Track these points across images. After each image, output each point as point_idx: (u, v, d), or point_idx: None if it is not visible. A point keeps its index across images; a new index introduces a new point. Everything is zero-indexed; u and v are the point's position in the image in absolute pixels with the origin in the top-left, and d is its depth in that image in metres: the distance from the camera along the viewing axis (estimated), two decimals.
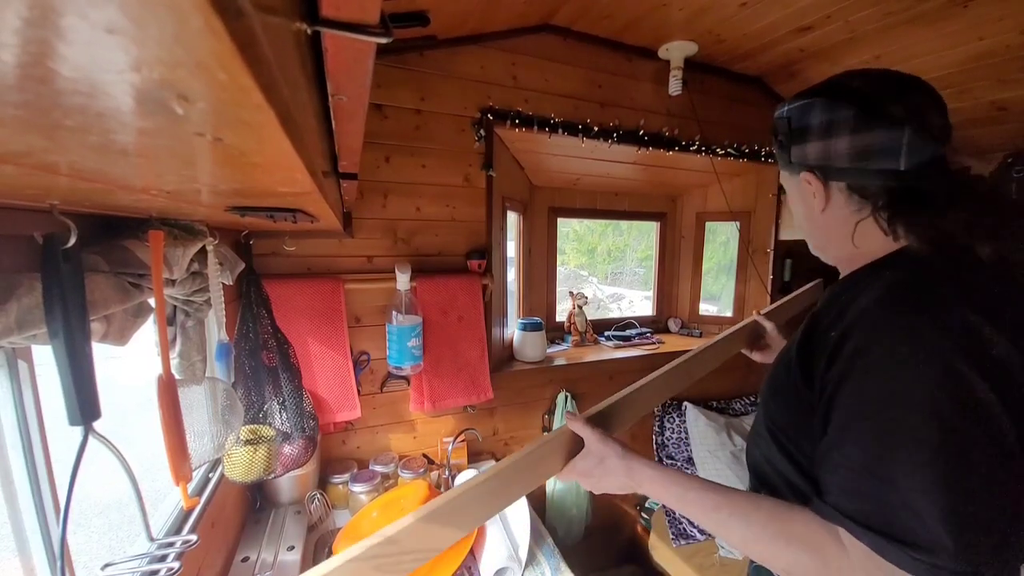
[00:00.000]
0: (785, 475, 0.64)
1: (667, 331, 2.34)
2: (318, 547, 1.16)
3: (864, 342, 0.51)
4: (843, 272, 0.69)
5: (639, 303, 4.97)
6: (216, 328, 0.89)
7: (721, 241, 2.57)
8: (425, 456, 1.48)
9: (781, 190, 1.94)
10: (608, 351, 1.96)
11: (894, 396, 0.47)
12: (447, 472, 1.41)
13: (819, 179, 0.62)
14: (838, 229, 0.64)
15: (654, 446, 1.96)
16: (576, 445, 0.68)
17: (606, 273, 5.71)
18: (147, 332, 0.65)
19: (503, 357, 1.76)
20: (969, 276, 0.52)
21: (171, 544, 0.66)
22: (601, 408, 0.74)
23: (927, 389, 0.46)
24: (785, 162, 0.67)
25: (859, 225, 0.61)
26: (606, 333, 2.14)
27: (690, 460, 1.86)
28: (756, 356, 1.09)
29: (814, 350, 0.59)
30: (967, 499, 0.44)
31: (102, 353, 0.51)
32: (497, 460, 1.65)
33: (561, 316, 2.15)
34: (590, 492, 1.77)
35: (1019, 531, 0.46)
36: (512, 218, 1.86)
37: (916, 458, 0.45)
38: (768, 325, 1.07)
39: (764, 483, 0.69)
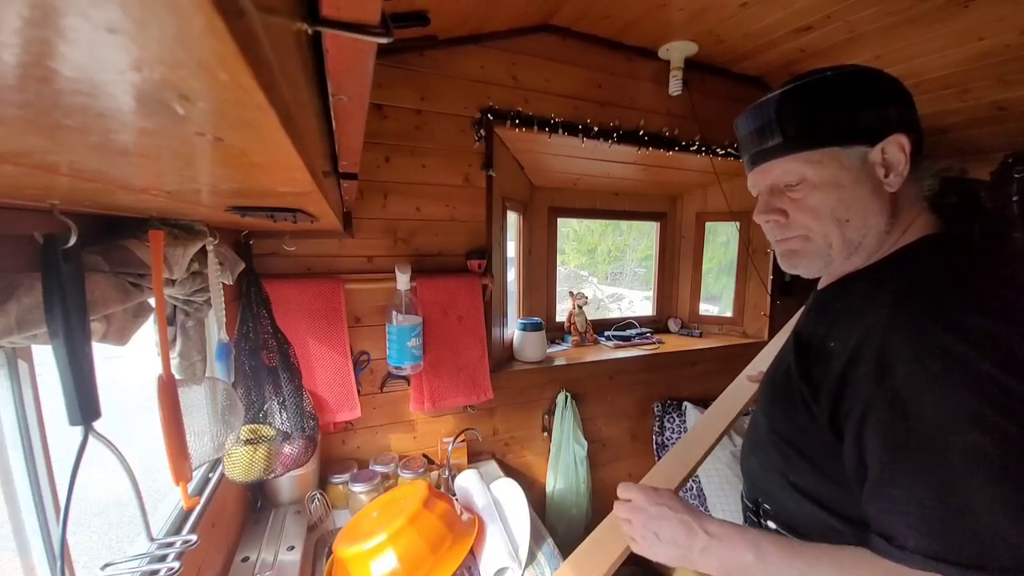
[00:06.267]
0: (791, 481, 0.63)
1: (667, 331, 2.34)
2: (318, 547, 1.16)
3: (887, 361, 0.49)
4: (824, 280, 0.68)
5: (639, 303, 4.97)
6: (216, 328, 0.89)
7: (721, 241, 2.57)
8: (425, 456, 1.48)
9: None
10: (608, 351, 1.96)
11: (938, 418, 0.45)
12: (447, 472, 1.41)
13: (913, 142, 0.55)
14: (883, 213, 0.57)
15: (654, 446, 1.96)
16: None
17: (606, 273, 5.72)
18: (147, 332, 0.65)
19: (503, 357, 1.76)
20: (973, 279, 0.51)
21: (171, 544, 0.66)
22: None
23: (969, 403, 0.44)
24: (833, 134, 0.56)
25: (901, 202, 0.58)
26: (606, 333, 2.14)
27: None
28: None
29: (812, 360, 0.58)
30: None
31: (102, 353, 0.51)
32: (497, 460, 1.65)
33: (561, 316, 2.15)
34: (590, 492, 1.80)
35: None
36: (512, 218, 1.86)
37: (984, 475, 0.43)
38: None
39: (763, 492, 0.69)
